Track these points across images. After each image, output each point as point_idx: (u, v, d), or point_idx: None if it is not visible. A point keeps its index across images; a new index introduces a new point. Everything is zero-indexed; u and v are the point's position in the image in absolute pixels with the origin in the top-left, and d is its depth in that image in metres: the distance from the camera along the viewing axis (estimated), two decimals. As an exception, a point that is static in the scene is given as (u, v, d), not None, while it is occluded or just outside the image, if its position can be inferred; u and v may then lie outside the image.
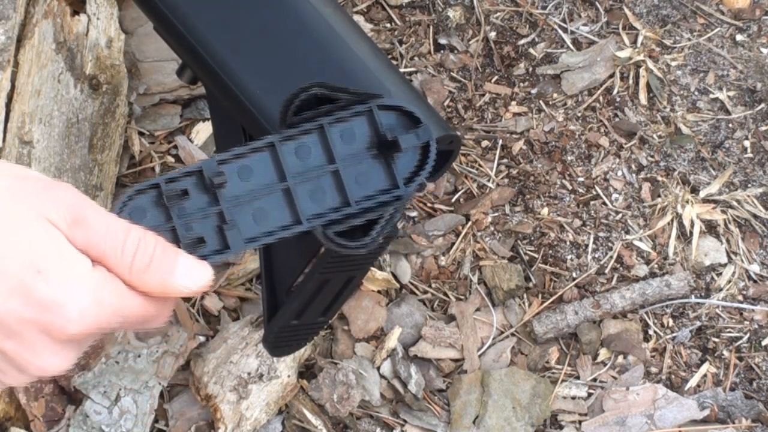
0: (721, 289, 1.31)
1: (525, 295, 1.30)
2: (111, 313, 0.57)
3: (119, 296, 0.58)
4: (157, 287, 0.59)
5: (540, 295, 1.30)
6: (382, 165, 0.66)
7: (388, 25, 1.48)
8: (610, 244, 1.34)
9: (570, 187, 1.38)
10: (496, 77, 1.47)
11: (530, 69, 1.47)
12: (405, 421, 1.21)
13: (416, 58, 1.48)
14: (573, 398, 1.24)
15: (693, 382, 1.26)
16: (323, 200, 0.65)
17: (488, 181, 1.37)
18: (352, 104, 0.66)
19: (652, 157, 1.40)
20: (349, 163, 0.65)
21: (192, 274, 0.60)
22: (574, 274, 1.31)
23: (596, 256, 1.33)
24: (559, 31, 1.50)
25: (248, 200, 0.64)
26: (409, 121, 0.66)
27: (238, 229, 0.63)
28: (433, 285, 1.30)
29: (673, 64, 1.47)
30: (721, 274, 1.33)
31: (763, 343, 1.29)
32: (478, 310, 1.29)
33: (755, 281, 1.32)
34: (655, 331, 1.29)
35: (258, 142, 0.64)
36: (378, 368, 1.23)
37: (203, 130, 1.35)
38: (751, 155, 1.41)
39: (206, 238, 0.63)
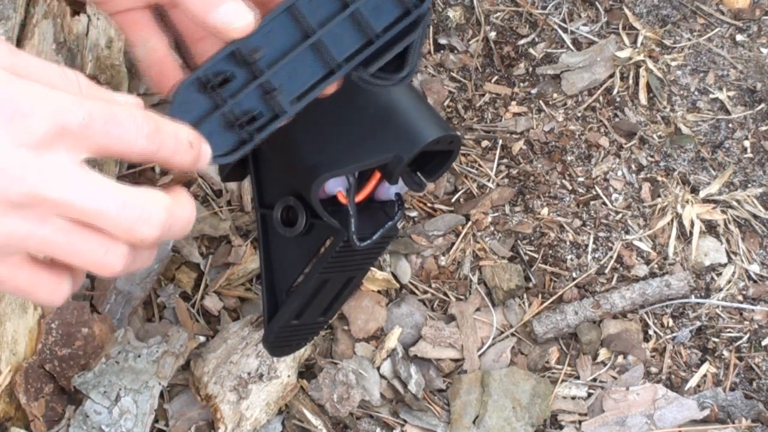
0: (721, 289, 1.31)
1: (525, 295, 1.30)
2: None
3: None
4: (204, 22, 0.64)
5: (540, 295, 1.30)
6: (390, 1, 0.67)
7: None
8: (610, 244, 1.34)
9: (570, 187, 1.38)
10: (496, 77, 1.47)
11: (530, 69, 1.47)
12: (405, 421, 1.21)
13: (416, 58, 1.47)
14: (573, 398, 1.24)
15: (693, 382, 1.26)
16: (349, 43, 0.67)
17: (488, 181, 1.37)
18: None
19: (652, 157, 1.40)
20: (361, 2, 0.67)
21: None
22: (574, 274, 1.31)
23: (596, 256, 1.33)
24: (559, 31, 1.50)
25: (282, 64, 0.66)
26: None
27: (285, 93, 0.65)
28: (433, 285, 1.30)
29: (673, 64, 1.47)
30: (721, 274, 1.32)
31: (763, 343, 1.29)
32: (478, 310, 1.29)
33: (755, 281, 1.32)
34: (655, 331, 1.29)
35: (276, 8, 0.66)
36: (378, 368, 1.23)
37: (203, 130, 1.35)
38: (751, 155, 1.41)
39: (259, 110, 0.66)
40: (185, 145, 0.60)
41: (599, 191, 1.37)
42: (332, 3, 0.66)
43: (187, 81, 0.65)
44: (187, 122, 0.63)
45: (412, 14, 0.67)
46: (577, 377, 1.26)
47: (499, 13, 1.51)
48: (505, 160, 1.39)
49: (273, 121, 0.65)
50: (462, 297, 1.29)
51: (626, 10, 1.52)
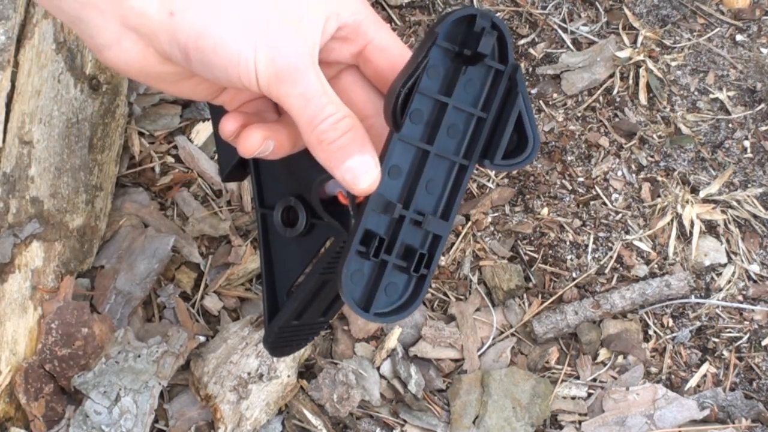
0: (721, 289, 1.31)
1: (525, 295, 1.30)
2: None
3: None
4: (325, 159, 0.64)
5: (540, 295, 1.30)
6: (477, 70, 0.68)
7: (388, 25, 1.48)
8: (610, 244, 1.34)
9: (570, 187, 1.38)
10: (496, 77, 1.46)
11: (530, 69, 1.47)
12: (405, 421, 1.21)
13: (416, 58, 1.47)
14: (573, 398, 1.24)
15: (693, 382, 1.26)
16: (463, 132, 0.67)
17: (488, 181, 1.37)
18: (425, 46, 0.67)
19: (652, 157, 1.40)
20: (454, 93, 0.67)
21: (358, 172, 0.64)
22: (574, 274, 1.31)
23: (596, 256, 1.33)
24: (559, 31, 1.50)
25: (418, 192, 0.66)
26: (466, 24, 0.67)
27: (432, 219, 0.66)
28: (433, 285, 1.30)
29: (673, 64, 1.47)
30: (721, 274, 1.33)
31: (763, 343, 1.29)
32: (478, 310, 1.29)
33: (755, 281, 1.32)
34: (655, 331, 1.29)
35: (390, 143, 0.66)
36: (378, 368, 1.23)
37: (203, 130, 1.35)
38: (751, 155, 1.41)
39: (418, 246, 0.67)
40: None
41: (599, 191, 1.37)
42: (431, 107, 0.66)
43: (350, 257, 0.65)
44: (365, 290, 0.65)
45: (502, 71, 0.67)
46: (577, 377, 1.26)
47: (499, 13, 1.51)
48: (505, 160, 1.39)
49: (437, 247, 0.66)
50: (462, 297, 1.29)
51: (626, 10, 1.52)
